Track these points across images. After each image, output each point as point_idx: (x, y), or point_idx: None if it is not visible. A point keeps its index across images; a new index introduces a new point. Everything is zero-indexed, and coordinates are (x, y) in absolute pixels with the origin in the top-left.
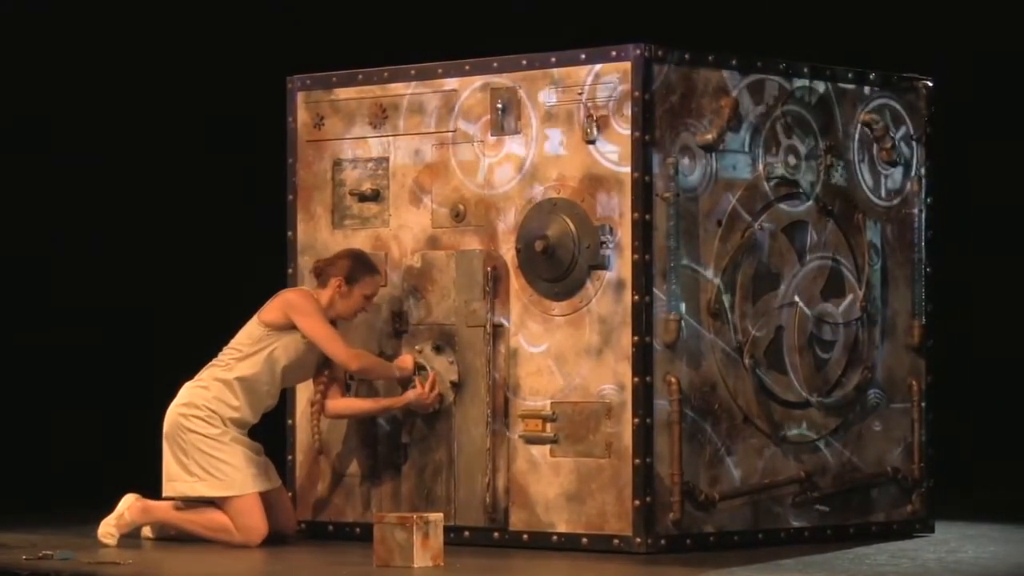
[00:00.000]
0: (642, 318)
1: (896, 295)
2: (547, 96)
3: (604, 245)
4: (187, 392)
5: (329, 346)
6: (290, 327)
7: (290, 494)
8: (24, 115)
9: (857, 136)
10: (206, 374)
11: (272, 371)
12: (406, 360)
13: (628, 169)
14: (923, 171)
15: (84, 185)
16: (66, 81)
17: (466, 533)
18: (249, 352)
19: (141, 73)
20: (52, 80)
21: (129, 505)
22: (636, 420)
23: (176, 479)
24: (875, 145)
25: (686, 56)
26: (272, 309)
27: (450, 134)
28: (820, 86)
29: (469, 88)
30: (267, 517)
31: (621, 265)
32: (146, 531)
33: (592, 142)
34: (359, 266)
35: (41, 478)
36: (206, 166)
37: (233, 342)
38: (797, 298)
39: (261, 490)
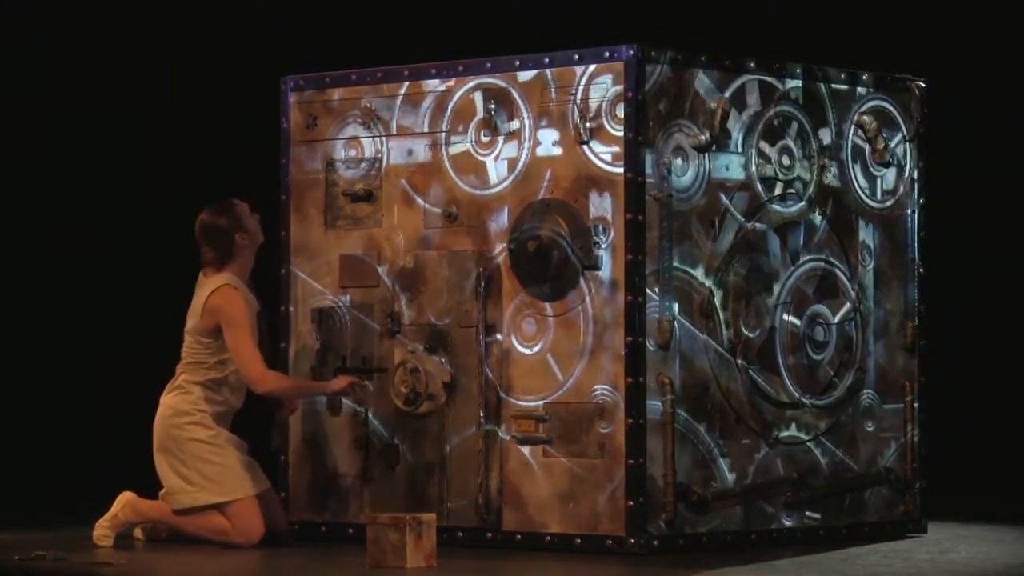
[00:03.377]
0: (635, 319)
1: (889, 296)
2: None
3: (597, 245)
4: (171, 400)
5: (247, 364)
6: (249, 319)
7: (283, 494)
8: (19, 116)
9: (850, 137)
10: (181, 380)
11: None
12: (340, 383)
13: (621, 169)
14: (916, 172)
15: (82, 185)
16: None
17: (459, 534)
18: (214, 362)
19: (137, 73)
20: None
21: (124, 504)
22: (629, 421)
23: (178, 492)
24: (868, 146)
25: (679, 57)
26: (208, 319)
27: (443, 135)
28: (813, 87)
29: (462, 88)
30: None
31: (614, 265)
32: (136, 532)
33: (585, 142)
34: (230, 215)
35: (37, 478)
36: (201, 166)
37: (191, 356)
38: (790, 299)
39: (258, 491)
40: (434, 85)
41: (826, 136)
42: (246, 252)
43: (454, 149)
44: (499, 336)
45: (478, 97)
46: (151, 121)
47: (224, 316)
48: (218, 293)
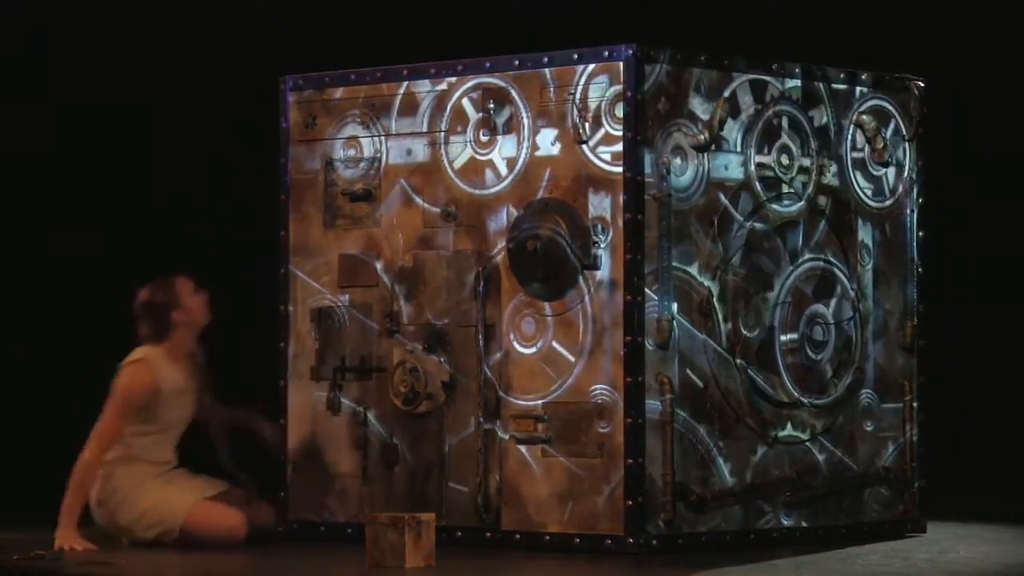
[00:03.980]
0: (634, 318)
1: (888, 295)
2: (546, 134)
3: (596, 245)
4: (94, 492)
5: (90, 442)
6: (152, 396)
7: (282, 494)
8: (19, 116)
9: (849, 136)
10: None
11: (172, 434)
12: (66, 538)
13: (620, 169)
14: (915, 171)
15: (82, 185)
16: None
17: (458, 533)
18: (128, 432)
19: (137, 73)
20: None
21: None
22: (628, 420)
23: (142, 529)
24: (867, 145)
25: (678, 56)
26: None
27: (442, 134)
28: (812, 86)
29: (461, 88)
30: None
31: (613, 265)
32: None
33: (584, 142)
34: (167, 292)
35: (37, 478)
36: (201, 166)
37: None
38: (789, 298)
39: (204, 496)
40: (433, 84)
41: (825, 136)
42: (183, 329)
43: (459, 161)
44: (499, 355)
45: (467, 104)
46: (151, 121)
47: (113, 387)
48: (125, 369)
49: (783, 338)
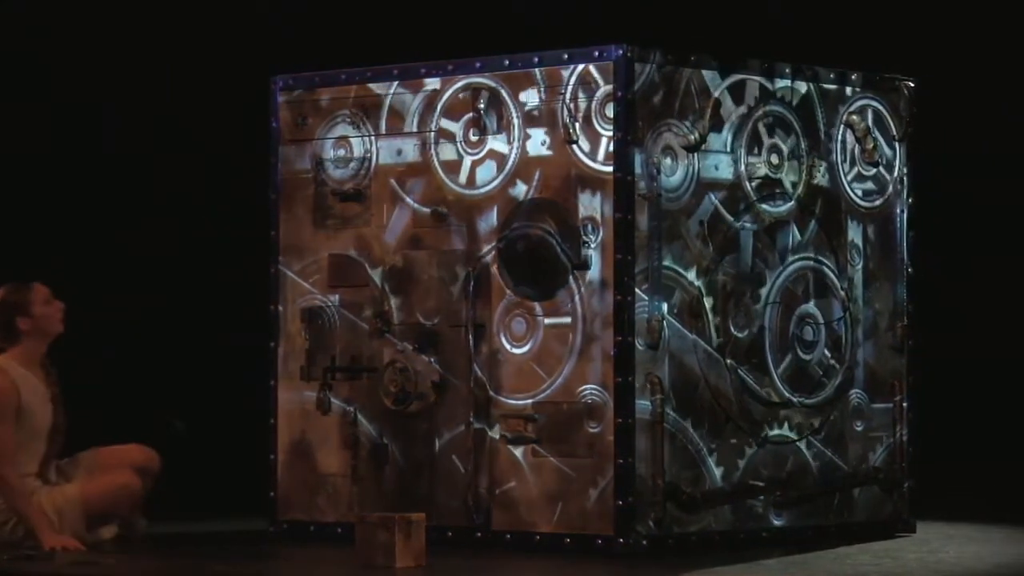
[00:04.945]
0: (624, 318)
1: (878, 295)
2: (528, 97)
3: (586, 245)
4: None
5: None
6: (16, 396)
7: (272, 494)
8: (19, 116)
9: (839, 136)
10: None
11: (40, 444)
12: (52, 542)
13: (610, 169)
14: (905, 171)
15: (82, 185)
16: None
17: (448, 533)
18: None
19: (137, 73)
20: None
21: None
22: (618, 420)
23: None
24: (857, 145)
25: (668, 56)
26: None
27: (432, 134)
28: (802, 86)
29: (451, 88)
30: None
31: (603, 265)
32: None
33: (574, 142)
34: (17, 296)
35: None
36: (201, 166)
37: None
38: (779, 298)
39: (77, 485)
40: (423, 84)
41: (815, 136)
42: (31, 337)
43: (443, 149)
44: (489, 355)
45: (447, 122)
46: (151, 121)
47: None
48: None
49: (779, 369)
